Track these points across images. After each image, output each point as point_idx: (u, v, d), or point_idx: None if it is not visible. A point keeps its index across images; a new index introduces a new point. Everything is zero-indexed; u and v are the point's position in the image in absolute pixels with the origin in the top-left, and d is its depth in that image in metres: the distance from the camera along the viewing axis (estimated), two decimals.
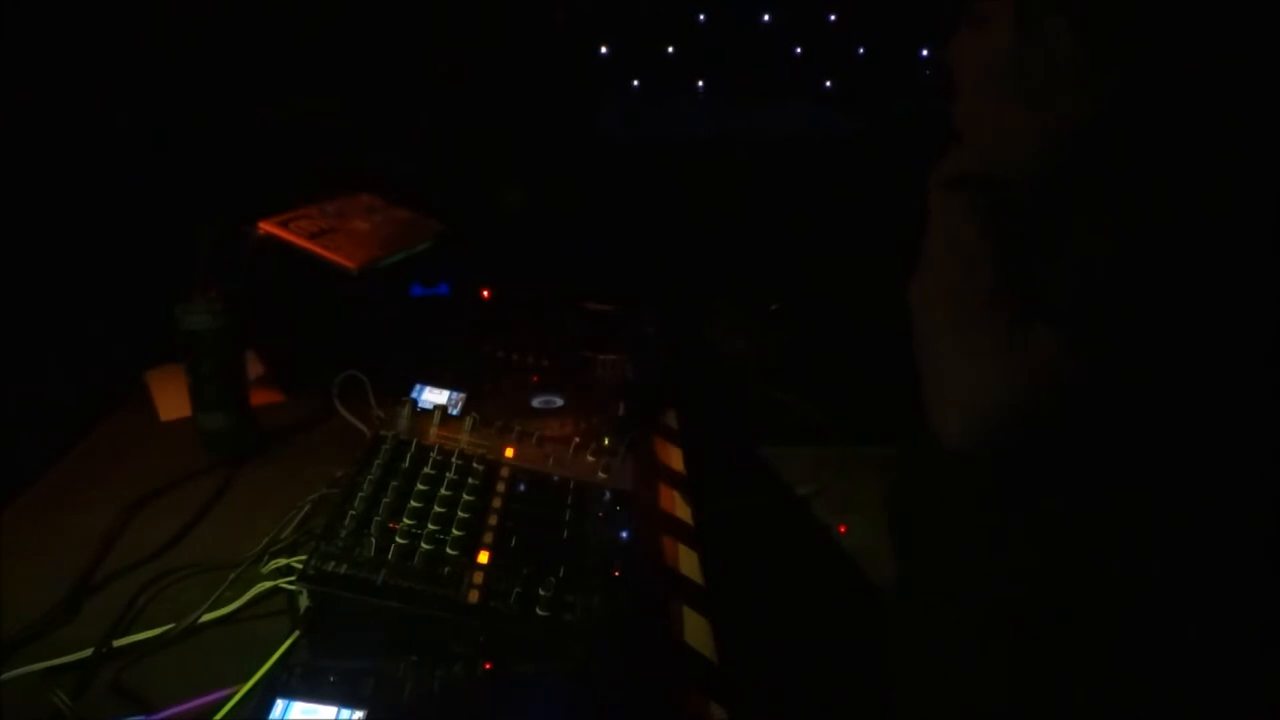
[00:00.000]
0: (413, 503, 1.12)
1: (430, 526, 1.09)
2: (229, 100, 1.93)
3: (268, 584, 1.14)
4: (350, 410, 1.53)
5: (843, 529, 1.85)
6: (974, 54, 1.21)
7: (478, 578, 1.04)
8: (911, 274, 1.21)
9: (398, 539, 1.05)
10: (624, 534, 1.20)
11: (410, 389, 1.56)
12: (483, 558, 1.08)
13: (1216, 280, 1.08)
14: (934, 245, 1.19)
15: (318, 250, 1.60)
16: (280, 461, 1.48)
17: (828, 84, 3.32)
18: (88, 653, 1.02)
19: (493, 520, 1.15)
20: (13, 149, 1.54)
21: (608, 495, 1.26)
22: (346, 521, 1.07)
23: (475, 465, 1.22)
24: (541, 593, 1.02)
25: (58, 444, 1.49)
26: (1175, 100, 1.13)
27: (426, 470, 1.19)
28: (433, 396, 1.57)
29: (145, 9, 1.78)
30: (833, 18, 3.26)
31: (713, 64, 3.34)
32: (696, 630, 1.15)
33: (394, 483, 1.15)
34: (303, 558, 1.14)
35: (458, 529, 1.09)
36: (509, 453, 1.31)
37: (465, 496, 1.15)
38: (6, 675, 0.99)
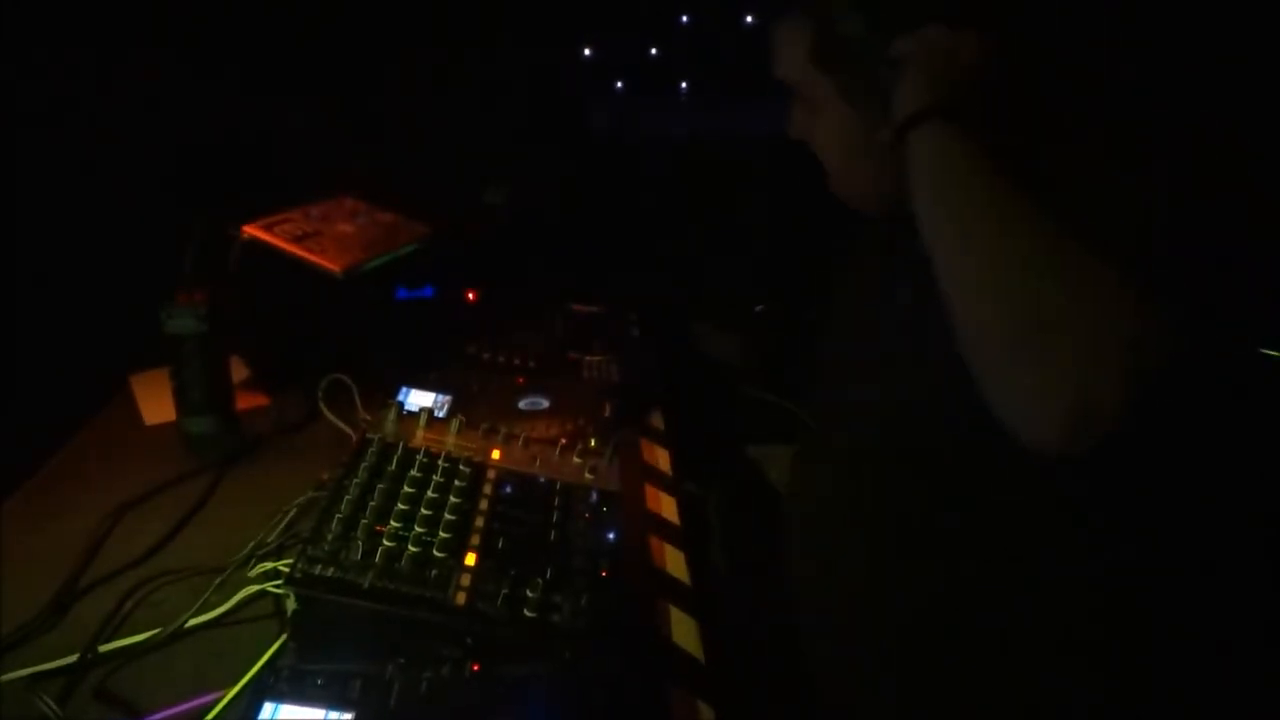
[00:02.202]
0: (399, 505, 1.12)
1: (417, 529, 1.09)
2: (217, 103, 1.93)
3: (254, 588, 1.13)
4: (335, 413, 1.53)
5: None
6: (824, 135, 1.14)
7: (465, 580, 1.05)
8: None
9: (385, 541, 1.06)
10: (611, 535, 1.20)
11: (396, 391, 1.57)
12: (470, 560, 1.08)
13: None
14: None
15: (302, 254, 1.59)
16: (265, 465, 1.48)
17: None
18: (74, 658, 1.01)
19: (479, 522, 1.15)
20: None
21: (594, 496, 1.26)
22: (333, 524, 1.07)
23: (462, 467, 1.22)
24: (529, 594, 1.02)
25: (42, 448, 1.48)
26: None
27: (413, 473, 1.19)
28: (418, 399, 1.57)
29: (141, 11, 1.77)
30: None
31: (696, 65, 3.34)
32: (684, 630, 1.15)
33: (380, 485, 1.15)
34: (289, 561, 1.14)
35: (444, 531, 1.09)
36: (495, 455, 1.31)
37: (452, 499, 1.15)
38: None
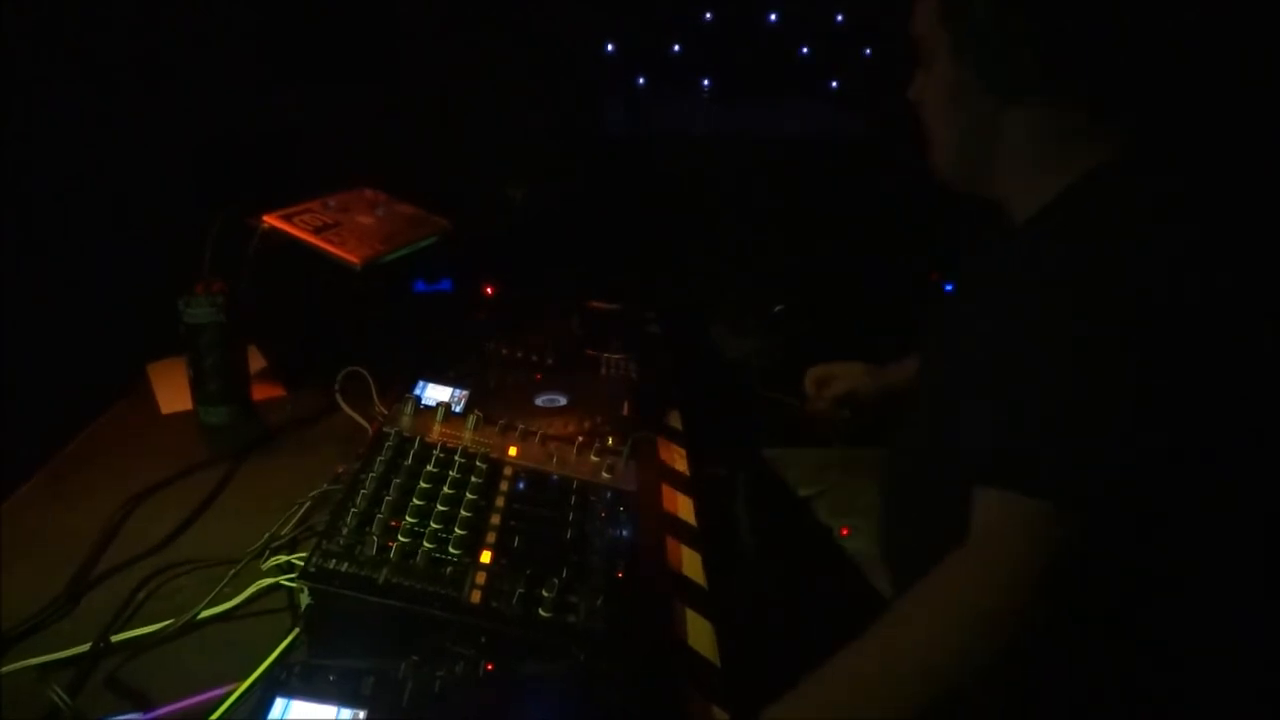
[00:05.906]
0: (415, 501, 1.11)
1: (433, 525, 1.08)
2: (235, 94, 1.92)
3: (268, 581, 1.13)
4: (352, 406, 1.52)
5: (845, 531, 1.84)
6: (932, 92, 1.18)
7: (480, 578, 1.03)
8: None
9: (400, 537, 1.05)
10: (627, 535, 1.19)
11: (413, 385, 1.55)
12: (485, 557, 1.07)
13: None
14: None
15: (322, 245, 1.59)
16: (281, 456, 1.47)
17: (834, 84, 3.31)
18: (85, 648, 1.01)
19: (495, 520, 1.14)
20: (18, 145, 1.54)
21: (611, 495, 1.25)
22: (349, 519, 1.06)
23: (479, 464, 1.21)
24: (544, 594, 1.01)
25: (58, 436, 1.48)
26: None
27: (429, 468, 1.18)
28: (436, 393, 1.56)
29: (155, 7, 1.77)
30: (840, 18, 3.25)
31: (718, 63, 3.33)
32: (699, 632, 1.14)
33: (397, 480, 1.14)
34: (304, 554, 1.13)
35: (460, 528, 1.08)
36: (512, 451, 1.30)
37: (468, 495, 1.14)
38: (3, 669, 0.98)
